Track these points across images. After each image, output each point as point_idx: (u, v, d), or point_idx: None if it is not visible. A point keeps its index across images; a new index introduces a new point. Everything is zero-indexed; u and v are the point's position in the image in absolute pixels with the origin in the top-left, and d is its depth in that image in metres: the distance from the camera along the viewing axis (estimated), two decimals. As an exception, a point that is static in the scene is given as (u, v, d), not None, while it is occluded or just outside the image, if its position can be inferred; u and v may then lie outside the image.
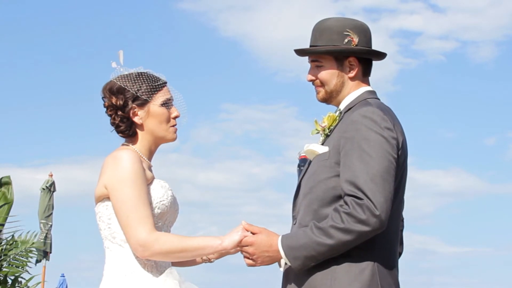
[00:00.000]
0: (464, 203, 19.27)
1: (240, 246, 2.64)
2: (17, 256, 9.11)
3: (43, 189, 11.18)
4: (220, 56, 19.05)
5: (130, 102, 2.78)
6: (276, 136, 19.46)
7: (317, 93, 2.79)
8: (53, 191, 11.29)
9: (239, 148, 19.54)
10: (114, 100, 2.79)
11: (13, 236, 8.97)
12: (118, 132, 2.82)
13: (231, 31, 19.11)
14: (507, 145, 19.07)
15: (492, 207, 18.91)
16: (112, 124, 2.82)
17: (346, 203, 2.47)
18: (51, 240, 11.06)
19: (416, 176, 18.15)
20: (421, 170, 18.79)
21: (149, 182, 2.74)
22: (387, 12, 18.65)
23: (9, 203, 9.00)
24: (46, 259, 11.22)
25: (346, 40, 2.71)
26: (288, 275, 2.66)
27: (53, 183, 11.28)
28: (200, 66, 18.66)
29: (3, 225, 8.84)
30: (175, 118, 2.85)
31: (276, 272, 2.74)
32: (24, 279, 9.04)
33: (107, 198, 2.70)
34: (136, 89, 2.78)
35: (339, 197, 2.54)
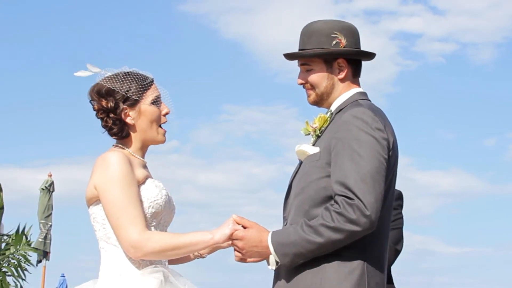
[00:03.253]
0: (464, 204, 19.25)
1: (230, 240, 2.63)
2: (16, 256, 9.12)
3: (42, 189, 11.20)
4: (221, 58, 19.06)
5: (121, 104, 2.76)
6: (277, 137, 19.44)
7: (308, 96, 2.81)
8: (52, 191, 11.30)
9: (239, 149, 19.53)
10: (104, 102, 2.76)
11: (16, 232, 8.95)
12: (111, 135, 2.80)
13: (232, 33, 19.11)
14: (507, 146, 19.06)
15: (492, 208, 18.89)
16: (105, 127, 2.80)
17: (337, 203, 2.48)
18: (50, 240, 11.09)
19: (416, 177, 18.19)
20: (421, 170, 18.82)
21: (142, 181, 2.74)
22: (387, 14, 18.61)
23: (1, 208, 8.92)
24: (46, 259, 11.24)
25: (334, 42, 2.72)
26: (279, 273, 2.67)
27: (52, 183, 11.30)
28: (201, 67, 18.67)
29: None
30: (165, 115, 2.85)
31: (272, 273, 2.75)
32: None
33: (99, 200, 2.70)
34: (125, 89, 2.76)
35: (330, 198, 2.55)
